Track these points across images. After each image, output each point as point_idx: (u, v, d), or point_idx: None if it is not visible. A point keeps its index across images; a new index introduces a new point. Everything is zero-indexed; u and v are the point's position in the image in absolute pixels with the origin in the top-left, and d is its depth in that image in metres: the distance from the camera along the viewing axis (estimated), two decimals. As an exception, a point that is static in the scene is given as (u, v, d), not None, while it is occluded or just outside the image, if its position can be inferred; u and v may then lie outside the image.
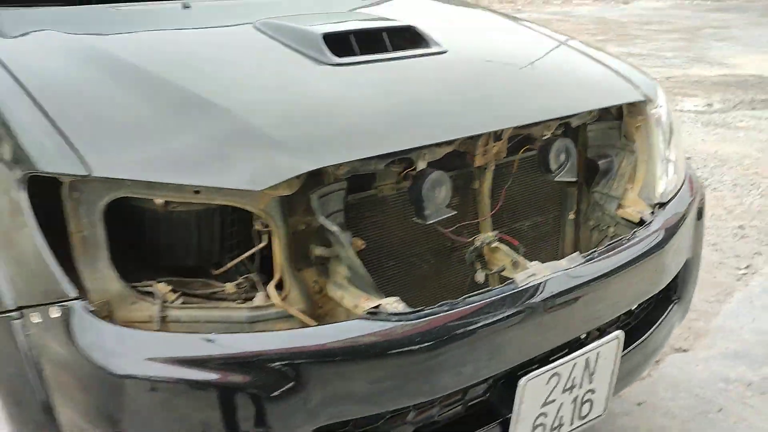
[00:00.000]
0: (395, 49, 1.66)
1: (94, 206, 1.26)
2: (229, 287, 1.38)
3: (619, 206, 1.78)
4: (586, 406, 1.58)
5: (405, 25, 1.73)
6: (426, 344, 1.26)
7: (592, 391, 1.56)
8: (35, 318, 1.23)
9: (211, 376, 1.18)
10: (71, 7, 1.84)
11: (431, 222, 1.43)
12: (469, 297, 1.34)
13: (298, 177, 1.26)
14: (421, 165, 1.44)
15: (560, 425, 1.54)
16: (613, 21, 12.60)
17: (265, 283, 1.37)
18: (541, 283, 1.40)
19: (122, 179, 1.23)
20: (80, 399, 1.21)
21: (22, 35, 1.66)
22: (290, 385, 1.19)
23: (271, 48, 1.65)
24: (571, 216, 1.85)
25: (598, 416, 1.63)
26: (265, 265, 1.40)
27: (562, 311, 1.43)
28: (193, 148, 1.29)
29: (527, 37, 2.05)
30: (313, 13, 1.94)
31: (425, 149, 1.42)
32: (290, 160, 1.25)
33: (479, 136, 1.51)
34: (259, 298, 1.35)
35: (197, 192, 1.27)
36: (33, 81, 1.41)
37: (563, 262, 1.47)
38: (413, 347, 1.25)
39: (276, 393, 1.19)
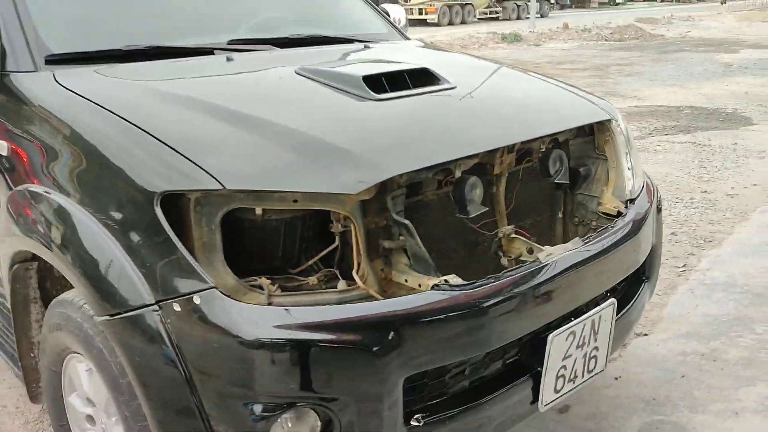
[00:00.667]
0: (414, 86, 2.05)
1: (213, 217, 1.57)
2: (312, 280, 1.71)
3: (599, 204, 2.20)
4: (593, 361, 1.96)
5: (421, 68, 2.12)
6: (482, 307, 1.62)
7: (596, 348, 1.95)
8: (176, 307, 1.52)
9: (327, 336, 1.50)
10: (142, 63, 2.15)
11: (472, 216, 1.81)
12: (508, 272, 1.71)
13: (374, 184, 1.61)
14: (458, 173, 1.82)
15: (575, 377, 1.92)
16: (528, 62, 13.50)
17: (342, 274, 1.71)
18: (557, 259, 1.80)
19: (237, 192, 1.55)
20: (219, 367, 1.50)
21: (114, 86, 1.97)
22: (386, 341, 1.52)
23: (317, 88, 2.00)
24: (560, 215, 2.27)
25: (600, 371, 2.02)
26: (330, 260, 1.74)
27: (573, 280, 1.83)
28: (292, 164, 1.62)
29: (511, 72, 2.49)
30: (339, 60, 2.32)
31: (461, 160, 1.80)
32: (374, 169, 1.61)
33: (498, 148, 1.91)
34: (341, 285, 1.68)
35: (295, 201, 1.60)
36: (142, 118, 1.73)
37: (569, 245, 1.87)
38: (473, 309, 1.61)
39: (376, 348, 1.51)
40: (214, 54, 2.35)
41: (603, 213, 2.19)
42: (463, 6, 27.68)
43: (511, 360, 1.85)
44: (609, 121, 2.22)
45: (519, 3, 30.95)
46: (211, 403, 1.53)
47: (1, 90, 2.09)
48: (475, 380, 1.79)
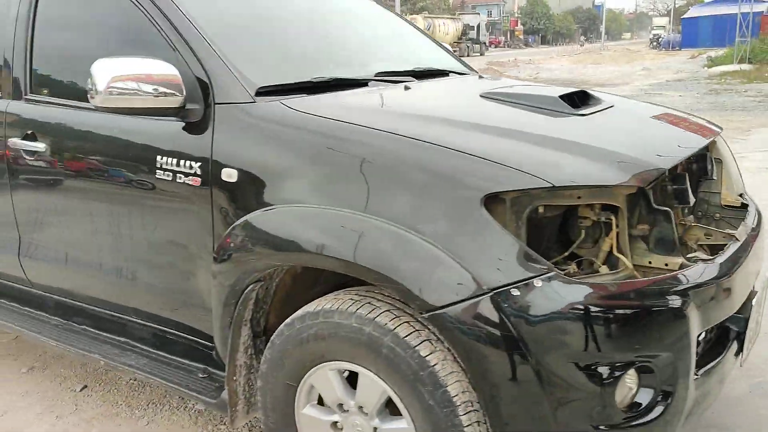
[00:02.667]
0: (586, 105, 2.39)
1: (522, 214, 1.81)
2: (572, 266, 1.97)
3: (721, 198, 2.64)
4: (758, 326, 2.36)
5: (582, 90, 2.47)
6: (734, 273, 1.97)
7: (761, 314, 2.36)
8: (515, 292, 1.74)
9: (654, 302, 1.77)
10: (340, 92, 2.40)
11: (691, 204, 2.16)
12: (729, 248, 2.08)
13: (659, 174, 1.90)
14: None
15: (753, 338, 2.29)
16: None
17: (596, 260, 1.99)
18: (747, 235, 2.19)
19: (561, 188, 1.79)
20: (563, 340, 1.72)
21: (353, 111, 2.20)
22: (693, 303, 1.81)
23: (512, 108, 2.29)
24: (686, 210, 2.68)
25: (759, 334, 2.42)
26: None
27: (757, 251, 2.22)
28: (584, 165, 1.88)
29: (629, 100, 2.92)
30: (492, 88, 2.62)
31: None
32: (644, 165, 1.91)
33: None
34: (603, 270, 1.96)
35: (579, 197, 1.88)
36: (421, 135, 1.96)
37: (744, 226, 2.27)
38: (731, 275, 1.96)
39: (688, 309, 1.80)
40: (368, 85, 2.57)
41: (726, 205, 2.62)
42: (439, 46, 43.21)
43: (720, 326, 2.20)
44: (720, 131, 2.68)
45: (468, 44, 48.02)
46: (554, 374, 1.74)
47: (217, 118, 2.21)
48: (707, 344, 2.12)
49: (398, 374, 1.90)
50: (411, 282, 1.81)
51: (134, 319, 2.69)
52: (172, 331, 2.59)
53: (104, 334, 2.82)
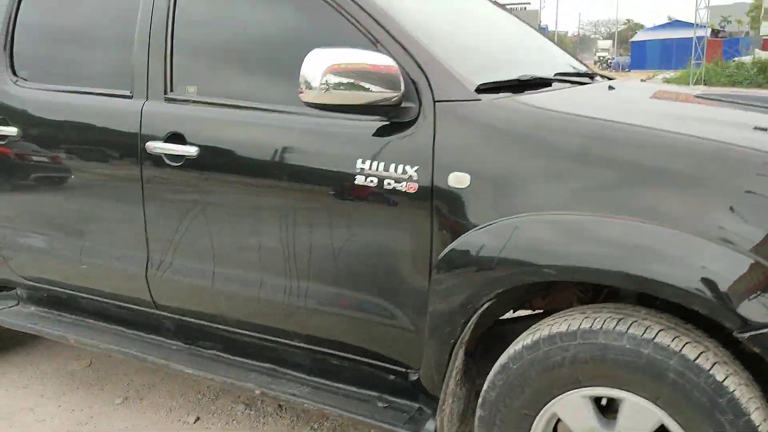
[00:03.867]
0: None
1: None
2: None
3: None
4: None
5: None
6: None
7: None
8: None
9: None
10: (554, 90, 2.25)
11: None
12: None
13: None
14: None
15: None
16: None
17: None
18: None
19: None
20: None
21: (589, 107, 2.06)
22: None
23: (749, 110, 2.14)
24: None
25: None
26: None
27: None
28: None
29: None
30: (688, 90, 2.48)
31: None
32: None
33: None
34: None
35: None
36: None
37: None
38: None
39: None
40: (551, 85, 2.38)
41: None
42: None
43: None
44: None
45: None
46: None
47: (438, 117, 1.99)
48: None
49: (688, 402, 1.69)
50: (728, 299, 1.62)
51: (290, 343, 2.41)
52: (339, 354, 2.33)
53: (242, 359, 2.54)
